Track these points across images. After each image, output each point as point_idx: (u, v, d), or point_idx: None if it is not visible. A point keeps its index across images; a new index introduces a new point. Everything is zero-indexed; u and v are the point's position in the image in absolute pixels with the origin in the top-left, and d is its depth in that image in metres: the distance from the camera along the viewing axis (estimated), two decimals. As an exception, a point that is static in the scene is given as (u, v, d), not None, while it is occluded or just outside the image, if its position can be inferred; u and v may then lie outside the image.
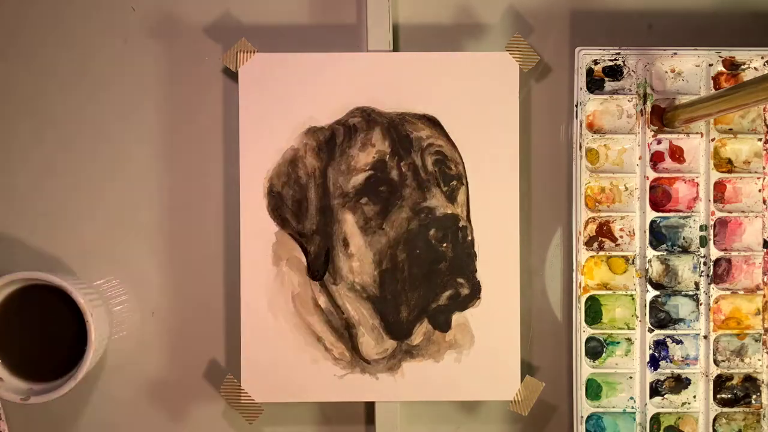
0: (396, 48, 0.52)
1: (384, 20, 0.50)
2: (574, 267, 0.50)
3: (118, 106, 0.51)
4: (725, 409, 0.50)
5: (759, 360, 0.50)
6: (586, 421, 0.50)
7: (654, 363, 0.50)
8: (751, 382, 0.50)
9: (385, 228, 0.49)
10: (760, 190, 0.50)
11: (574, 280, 0.50)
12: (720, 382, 0.50)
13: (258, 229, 0.49)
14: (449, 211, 0.49)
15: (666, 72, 0.50)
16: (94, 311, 0.47)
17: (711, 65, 0.50)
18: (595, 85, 0.50)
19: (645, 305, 0.50)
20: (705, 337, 0.50)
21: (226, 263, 0.51)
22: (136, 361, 0.51)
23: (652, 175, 0.50)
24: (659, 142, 0.50)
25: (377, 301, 0.49)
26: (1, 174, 0.51)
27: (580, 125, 0.50)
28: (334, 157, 0.50)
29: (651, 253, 0.50)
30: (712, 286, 0.50)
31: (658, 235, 0.50)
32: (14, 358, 0.48)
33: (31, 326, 0.49)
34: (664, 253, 0.50)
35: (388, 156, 0.50)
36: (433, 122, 0.50)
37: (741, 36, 0.52)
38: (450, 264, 0.49)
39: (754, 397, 0.50)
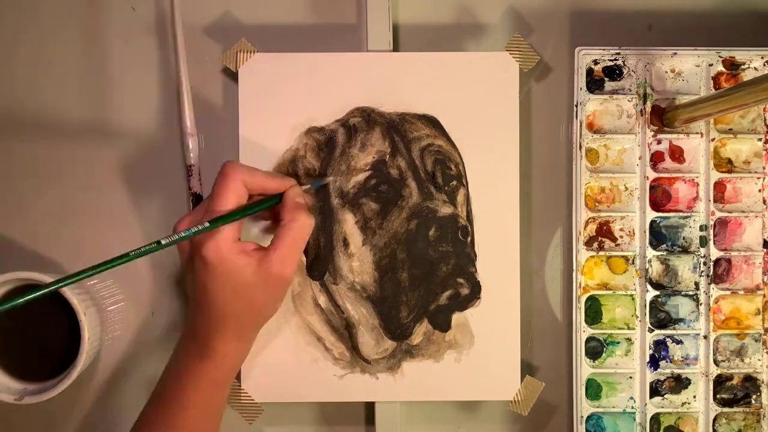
0: (396, 48, 0.52)
1: (384, 20, 0.50)
2: (574, 267, 0.50)
3: (118, 106, 0.51)
4: (725, 409, 0.50)
5: (759, 360, 0.50)
6: (586, 421, 0.50)
7: (654, 363, 0.50)
8: (751, 382, 0.50)
9: (385, 228, 0.49)
10: (760, 190, 0.50)
11: (574, 280, 0.50)
12: (720, 382, 0.50)
13: (258, 229, 0.49)
14: (449, 211, 0.49)
15: (666, 72, 0.50)
16: (87, 311, 0.47)
17: (711, 65, 0.50)
18: (595, 85, 0.50)
19: (645, 305, 0.50)
20: (705, 337, 0.50)
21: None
22: (134, 360, 0.51)
23: (652, 175, 0.50)
24: (659, 142, 0.50)
25: (377, 301, 0.49)
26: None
27: (580, 125, 0.50)
28: (334, 157, 0.50)
29: (651, 253, 0.50)
30: (712, 286, 0.50)
31: (658, 235, 0.50)
32: (8, 358, 0.48)
33: (24, 326, 0.49)
34: (664, 253, 0.50)
35: (388, 156, 0.49)
36: (433, 122, 0.50)
37: (741, 36, 0.52)
38: (450, 264, 0.49)
39: (754, 397, 0.50)
